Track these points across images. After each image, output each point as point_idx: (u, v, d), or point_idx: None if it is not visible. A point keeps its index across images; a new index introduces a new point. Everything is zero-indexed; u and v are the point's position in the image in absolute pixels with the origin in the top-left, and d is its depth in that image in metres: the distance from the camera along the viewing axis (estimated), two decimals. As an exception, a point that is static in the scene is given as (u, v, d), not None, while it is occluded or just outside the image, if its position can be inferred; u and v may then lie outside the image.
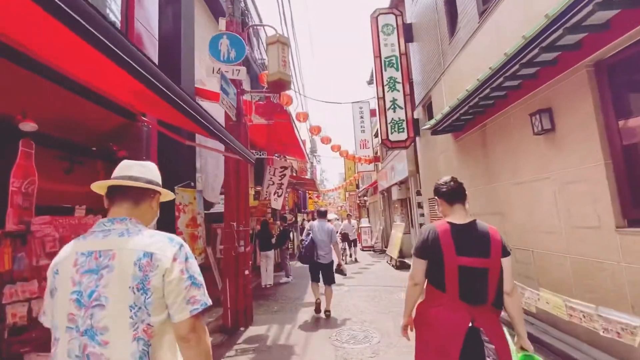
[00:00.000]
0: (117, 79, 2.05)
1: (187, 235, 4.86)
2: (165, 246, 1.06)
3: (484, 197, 5.14)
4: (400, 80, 8.42)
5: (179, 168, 5.17)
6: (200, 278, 1.08)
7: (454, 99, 5.54)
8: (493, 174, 4.79)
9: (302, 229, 20.53)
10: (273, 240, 8.22)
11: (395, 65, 8.48)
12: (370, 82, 16.15)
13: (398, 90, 8.39)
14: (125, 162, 1.20)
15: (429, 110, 7.95)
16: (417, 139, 8.39)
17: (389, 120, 8.32)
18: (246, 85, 5.74)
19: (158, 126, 3.89)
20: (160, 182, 1.26)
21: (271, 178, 12.50)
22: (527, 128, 3.86)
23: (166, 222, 4.45)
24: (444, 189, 1.93)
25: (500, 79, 3.67)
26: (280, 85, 5.37)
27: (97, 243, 1.04)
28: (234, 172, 5.04)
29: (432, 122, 5.67)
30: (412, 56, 8.65)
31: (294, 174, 17.90)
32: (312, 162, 27.43)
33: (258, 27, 8.66)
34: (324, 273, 5.15)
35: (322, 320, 4.95)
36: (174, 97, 2.21)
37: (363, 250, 14.79)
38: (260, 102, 5.56)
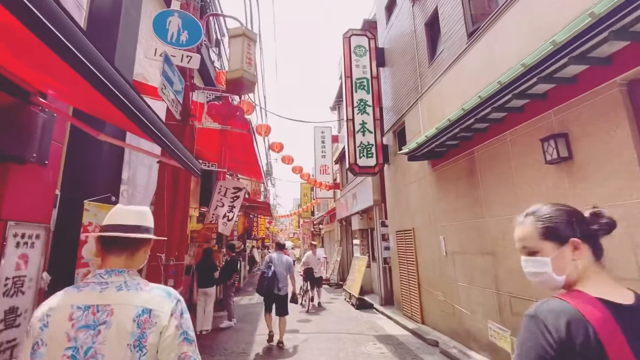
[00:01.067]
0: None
1: (94, 267, 3.43)
2: (164, 302, 1.06)
3: (468, 233, 4.54)
4: (371, 104, 7.97)
5: (97, 177, 3.83)
6: (192, 334, 1.08)
7: (434, 123, 5.06)
8: (483, 207, 4.22)
9: (251, 257, 18.78)
10: (216, 274, 6.80)
11: (366, 88, 8.05)
12: (333, 109, 15.89)
13: (368, 114, 7.91)
14: (118, 208, 1.19)
15: (400, 137, 7.51)
16: (386, 166, 7.86)
17: (357, 144, 7.71)
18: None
19: (69, 116, 2.64)
20: (152, 225, 1.24)
21: (221, 199, 11.13)
22: (532, 155, 3.34)
23: (64, 247, 3.07)
24: (600, 225, 0.86)
25: (506, 97, 3.15)
26: (242, 85, 4.40)
27: (95, 297, 1.03)
28: (170, 186, 3.81)
29: (413, 145, 5.08)
30: (382, 81, 8.34)
31: (247, 196, 16.49)
32: (266, 186, 26.14)
33: (220, 22, 7.70)
34: (279, 305, 5.23)
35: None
36: (95, 70, 1.20)
37: (317, 283, 13.60)
38: (215, 103, 4.54)
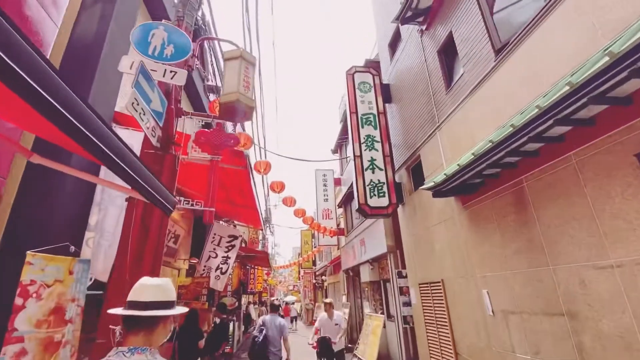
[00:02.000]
0: None
1: (34, 342, 2.30)
2: None
3: (525, 286, 3.52)
4: (379, 140, 7.35)
5: (55, 221, 2.95)
6: None
7: (459, 152, 4.32)
8: (543, 251, 3.26)
9: (246, 315, 16.88)
10: (201, 343, 5.51)
11: (373, 124, 7.51)
12: (335, 151, 15.46)
13: (377, 150, 7.25)
14: (139, 284, 1.23)
15: (415, 173, 6.75)
16: (400, 207, 6.98)
17: (367, 182, 6.92)
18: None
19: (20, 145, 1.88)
20: (174, 298, 1.27)
21: (214, 249, 10.04)
22: (621, 177, 2.50)
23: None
24: None
25: (577, 104, 2.41)
26: (238, 110, 3.73)
27: None
28: (138, 227, 2.89)
29: (440, 178, 4.27)
30: (389, 118, 7.84)
31: (244, 245, 15.33)
32: (264, 234, 24.89)
33: (216, 51, 7.34)
34: None
35: None
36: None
37: (322, 346, 11.81)
38: (205, 130, 3.82)
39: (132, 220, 2.91)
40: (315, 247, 21.20)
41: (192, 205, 3.76)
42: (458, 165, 3.90)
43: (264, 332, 5.02)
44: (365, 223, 9.88)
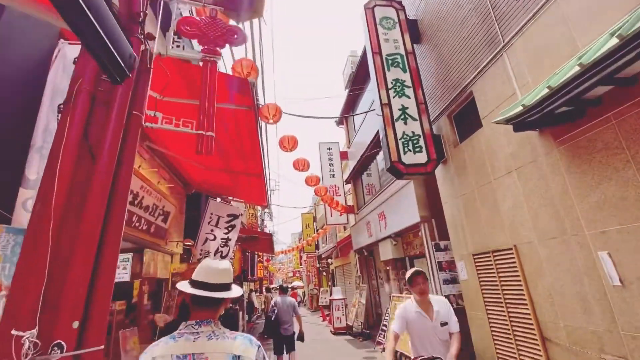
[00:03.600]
0: None
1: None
2: (248, 348, 1.24)
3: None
4: (410, 84, 5.99)
5: None
6: None
7: (548, 70, 3.02)
8: None
9: (249, 303, 15.70)
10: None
11: (401, 65, 6.13)
12: (339, 123, 14.06)
13: (408, 97, 5.90)
14: (207, 264, 1.37)
15: (460, 120, 5.45)
16: (440, 166, 5.68)
17: (399, 135, 5.59)
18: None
19: None
20: (232, 280, 1.41)
21: (212, 230, 8.73)
22: None
23: None
24: None
25: None
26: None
27: (189, 346, 1.20)
28: (75, 144, 1.50)
29: (533, 99, 2.96)
30: (419, 61, 6.45)
31: (243, 227, 14.02)
32: (262, 218, 23.62)
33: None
34: (287, 343, 5.66)
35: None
36: None
37: (336, 333, 10.75)
38: (194, 18, 2.44)
39: (64, 132, 1.52)
40: (316, 231, 20.03)
41: (178, 126, 2.41)
42: (548, 87, 2.60)
43: (275, 311, 5.67)
44: (385, 194, 8.62)
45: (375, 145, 9.72)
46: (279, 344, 5.67)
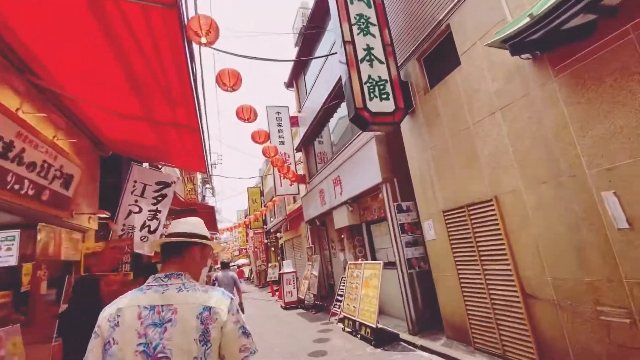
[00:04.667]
0: None
1: None
2: (221, 300, 1.15)
3: None
4: (376, 22, 5.17)
5: None
6: (248, 328, 1.17)
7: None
8: None
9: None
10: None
11: (365, 0, 5.24)
12: (289, 85, 12.84)
13: (373, 36, 5.08)
14: (174, 221, 1.37)
15: (431, 64, 4.82)
16: (407, 117, 5.05)
17: (364, 79, 4.79)
18: None
19: None
20: (205, 234, 1.33)
21: (136, 201, 7.37)
22: None
23: None
24: None
25: None
26: None
27: (158, 298, 1.12)
28: None
29: (541, 7, 2.34)
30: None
31: (181, 199, 12.38)
32: (203, 194, 21.71)
33: None
34: None
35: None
36: None
37: (287, 308, 10.15)
38: None
39: None
40: (264, 205, 18.97)
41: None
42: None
43: (216, 285, 5.74)
44: (341, 156, 7.92)
45: (327, 110, 8.87)
46: None
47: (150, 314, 1.07)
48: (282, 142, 11.92)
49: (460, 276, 4.17)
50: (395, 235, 5.59)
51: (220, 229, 22.45)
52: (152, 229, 7.77)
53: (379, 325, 5.37)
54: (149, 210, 7.84)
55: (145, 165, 8.95)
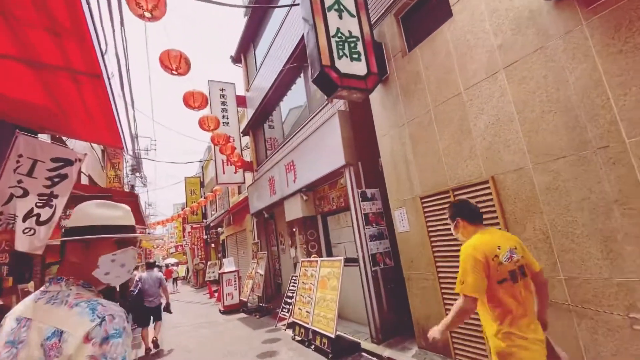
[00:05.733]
0: None
1: None
2: (82, 322, 0.82)
3: None
4: (346, -32, 4.24)
5: None
6: None
7: None
8: None
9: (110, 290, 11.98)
10: None
11: (333, -60, 4.28)
12: (236, 60, 11.35)
13: (343, -16, 4.14)
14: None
15: (412, 18, 4.03)
16: (378, 87, 4.22)
17: (332, 31, 3.84)
18: None
19: None
20: (94, 223, 1.01)
21: (20, 182, 5.31)
22: None
23: None
24: None
25: None
26: None
27: (30, 308, 0.91)
28: None
29: None
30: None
31: (92, 183, 10.20)
32: (131, 184, 18.96)
33: None
34: (154, 314, 5.92)
35: None
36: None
37: (226, 312, 8.85)
38: None
39: None
40: (204, 196, 17.10)
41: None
42: None
43: (139, 286, 5.89)
44: (297, 138, 6.89)
45: (279, 88, 7.76)
46: (143, 316, 5.87)
47: (15, 329, 0.87)
48: (227, 124, 10.44)
49: (440, 275, 3.48)
50: (358, 227, 4.77)
51: (152, 223, 19.83)
52: (42, 218, 5.96)
53: (338, 333, 4.50)
54: (39, 195, 5.99)
55: (46, 138, 6.94)
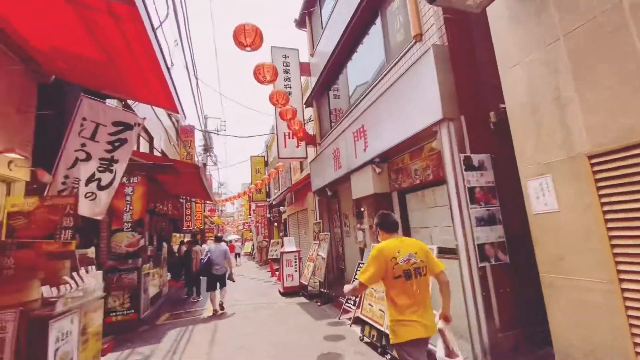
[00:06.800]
0: None
1: None
2: None
3: None
4: None
5: None
6: None
7: None
8: None
9: (187, 256, 12.56)
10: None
11: None
12: (300, 24, 10.38)
13: None
14: None
15: None
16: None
17: None
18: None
19: None
20: None
21: (84, 145, 5.21)
22: None
23: None
24: None
25: None
26: None
27: None
28: None
29: None
30: None
31: (157, 152, 10.47)
32: (204, 162, 19.79)
33: None
34: (219, 281, 6.83)
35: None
36: None
37: (284, 294, 8.29)
38: None
39: None
40: (278, 163, 16.97)
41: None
42: None
43: (208, 256, 6.89)
44: (371, 96, 5.67)
45: (349, 38, 6.50)
46: (211, 282, 6.79)
47: None
48: (290, 94, 9.63)
49: (625, 285, 2.02)
50: (459, 206, 3.42)
51: (220, 200, 20.67)
52: (102, 183, 5.83)
53: (430, 346, 3.32)
54: (101, 159, 5.87)
55: (113, 102, 6.84)
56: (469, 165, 3.49)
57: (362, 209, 6.37)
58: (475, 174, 3.49)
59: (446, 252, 3.81)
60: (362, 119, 5.64)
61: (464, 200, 3.40)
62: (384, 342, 3.87)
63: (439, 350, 2.40)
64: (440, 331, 2.34)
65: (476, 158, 3.54)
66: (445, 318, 2.30)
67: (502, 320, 3.23)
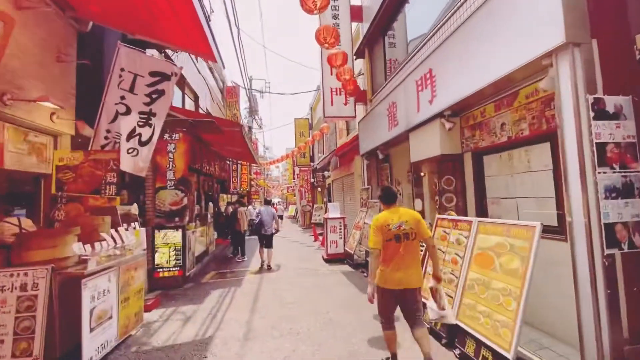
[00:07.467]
0: None
1: None
2: None
3: None
4: None
5: None
6: None
7: None
8: None
9: (232, 217, 12.83)
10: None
11: None
12: (352, -40, 8.94)
13: None
14: None
15: None
16: None
17: None
18: None
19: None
20: None
21: (123, 98, 4.70)
22: None
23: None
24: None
25: None
26: None
27: None
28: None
29: None
30: None
31: (196, 109, 10.22)
32: (249, 125, 19.67)
33: None
34: (266, 241, 7.44)
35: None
36: None
37: (328, 260, 7.92)
38: None
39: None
40: (323, 122, 16.30)
41: None
42: None
43: (259, 217, 7.45)
44: (443, 32, 4.53)
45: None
46: (261, 240, 7.50)
47: None
48: (338, 45, 8.53)
49: None
50: (580, 168, 2.43)
51: (266, 163, 20.71)
52: (143, 138, 5.54)
53: (522, 351, 2.56)
54: (140, 113, 5.54)
55: (153, 52, 6.51)
56: (599, 112, 2.43)
57: (422, 174, 5.46)
58: (608, 125, 2.43)
59: (547, 232, 2.87)
60: (429, 62, 4.56)
61: (589, 161, 2.39)
62: (450, 335, 3.19)
63: (431, 304, 2.93)
64: (431, 289, 2.86)
65: (611, 101, 2.45)
66: (436, 277, 2.81)
67: (633, 328, 2.33)
